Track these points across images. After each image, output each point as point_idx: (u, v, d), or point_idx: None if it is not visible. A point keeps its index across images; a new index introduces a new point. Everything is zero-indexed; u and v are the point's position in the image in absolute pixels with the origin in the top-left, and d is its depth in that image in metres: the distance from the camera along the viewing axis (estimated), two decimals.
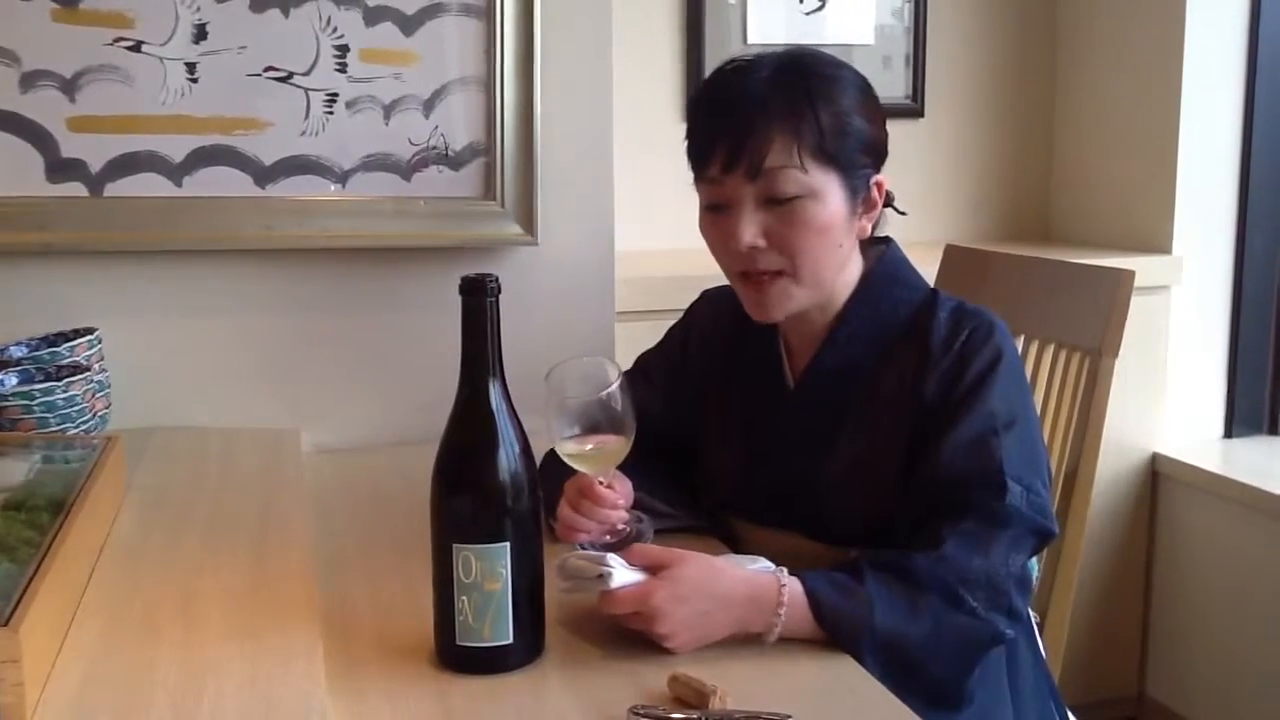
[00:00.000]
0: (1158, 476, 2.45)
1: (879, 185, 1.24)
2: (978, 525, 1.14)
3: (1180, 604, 2.44)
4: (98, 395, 1.49)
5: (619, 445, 1.18)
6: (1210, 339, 2.46)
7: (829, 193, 1.19)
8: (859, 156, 1.21)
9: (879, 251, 1.30)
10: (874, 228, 1.27)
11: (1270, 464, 2.38)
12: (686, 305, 1.47)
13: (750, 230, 1.19)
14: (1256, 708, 2.26)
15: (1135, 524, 2.46)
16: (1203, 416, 2.48)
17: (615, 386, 1.18)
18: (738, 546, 1.29)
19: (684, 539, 1.28)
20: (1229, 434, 2.49)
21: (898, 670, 1.06)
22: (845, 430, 1.25)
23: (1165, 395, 2.43)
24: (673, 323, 1.48)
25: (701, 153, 1.22)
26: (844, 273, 1.26)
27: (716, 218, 1.23)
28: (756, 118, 1.17)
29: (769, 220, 1.19)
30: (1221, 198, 2.41)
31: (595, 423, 1.17)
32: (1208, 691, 2.38)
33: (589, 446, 1.18)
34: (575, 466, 1.20)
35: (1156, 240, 2.43)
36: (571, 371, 1.18)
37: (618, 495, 1.22)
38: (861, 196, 1.23)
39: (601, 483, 1.21)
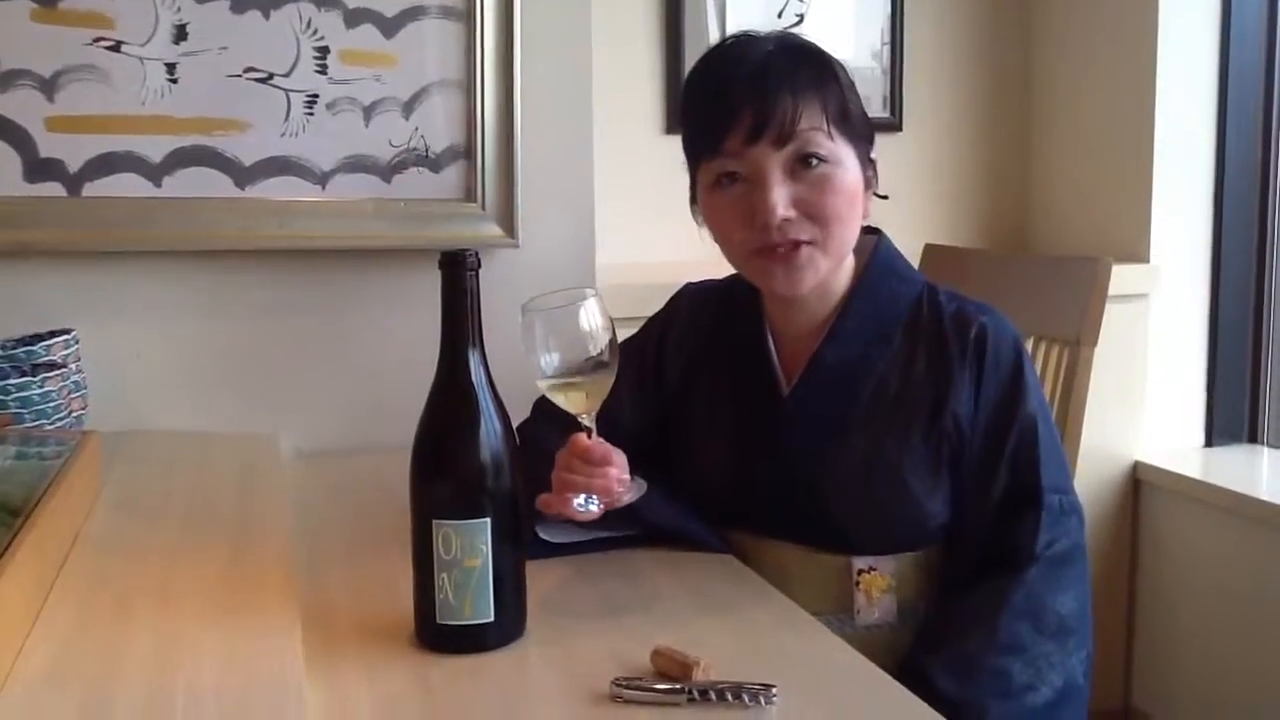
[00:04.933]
0: (1139, 484, 2.45)
1: (874, 163, 1.25)
2: (1031, 595, 1.17)
3: (1164, 612, 2.44)
4: (74, 395, 1.47)
5: (603, 375, 1.11)
6: (1189, 347, 2.47)
7: (850, 162, 1.19)
8: (865, 131, 1.22)
9: (871, 243, 1.29)
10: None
11: (1251, 471, 2.38)
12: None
13: (783, 201, 1.15)
14: (1243, 715, 2.26)
15: (1118, 532, 2.46)
16: (1183, 424, 2.49)
17: (593, 307, 1.10)
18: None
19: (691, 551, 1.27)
20: (1209, 442, 2.50)
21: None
22: (849, 430, 1.23)
23: (1145, 403, 2.44)
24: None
25: (718, 124, 1.17)
26: (846, 258, 1.26)
27: (732, 193, 1.19)
28: (784, 85, 1.15)
29: (797, 189, 1.17)
30: (1197, 206, 2.43)
31: (576, 355, 1.10)
32: (1193, 700, 2.37)
33: (574, 379, 1.11)
34: (558, 402, 1.13)
35: (1134, 249, 2.44)
36: (549, 304, 1.11)
37: (609, 450, 1.13)
38: (867, 173, 1.23)
39: (587, 428, 1.13)
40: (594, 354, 1.09)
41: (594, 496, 1.10)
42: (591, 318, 1.09)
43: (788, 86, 1.15)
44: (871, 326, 1.25)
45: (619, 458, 1.14)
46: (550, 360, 1.08)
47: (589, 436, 1.12)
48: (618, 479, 1.12)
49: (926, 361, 1.22)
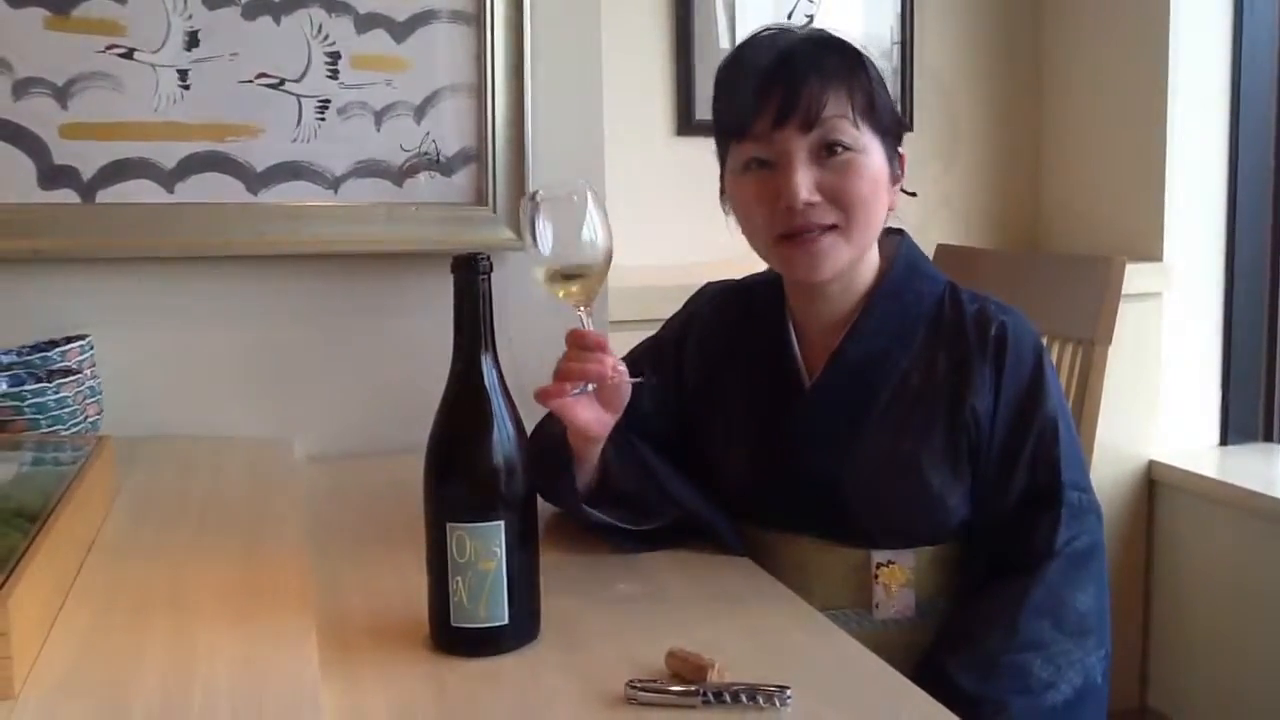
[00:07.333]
0: (1154, 484, 2.44)
1: (901, 159, 1.25)
2: (1051, 591, 1.17)
3: (1180, 612, 2.43)
4: (89, 400, 1.48)
5: (599, 266, 1.14)
6: (1203, 345, 2.46)
7: (875, 152, 1.20)
8: (893, 125, 1.23)
9: (895, 242, 1.30)
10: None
11: (1267, 470, 2.37)
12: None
13: (806, 185, 1.17)
14: (1260, 716, 2.24)
15: (1133, 532, 2.45)
16: (1198, 423, 2.48)
17: (591, 202, 1.14)
18: (749, 551, 1.26)
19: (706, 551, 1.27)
20: (1224, 441, 2.49)
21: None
22: (870, 425, 1.24)
23: (1159, 402, 2.43)
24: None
25: (747, 109, 1.19)
26: (867, 256, 1.26)
27: (759, 177, 1.20)
28: (811, 72, 1.17)
29: (822, 175, 1.18)
30: (1210, 204, 2.43)
31: (572, 246, 1.14)
32: (1209, 701, 2.36)
33: (571, 270, 1.14)
34: (555, 293, 1.15)
35: (1147, 248, 2.44)
36: (548, 194, 1.14)
37: (604, 337, 1.15)
38: (893, 166, 1.24)
39: (582, 319, 1.15)
40: (590, 244, 1.13)
41: (589, 385, 1.13)
42: (589, 210, 1.12)
43: (815, 73, 1.17)
44: (895, 323, 1.25)
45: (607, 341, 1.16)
46: (547, 248, 1.13)
47: (584, 326, 1.15)
48: (613, 365, 1.14)
49: (947, 359, 1.23)
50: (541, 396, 1.14)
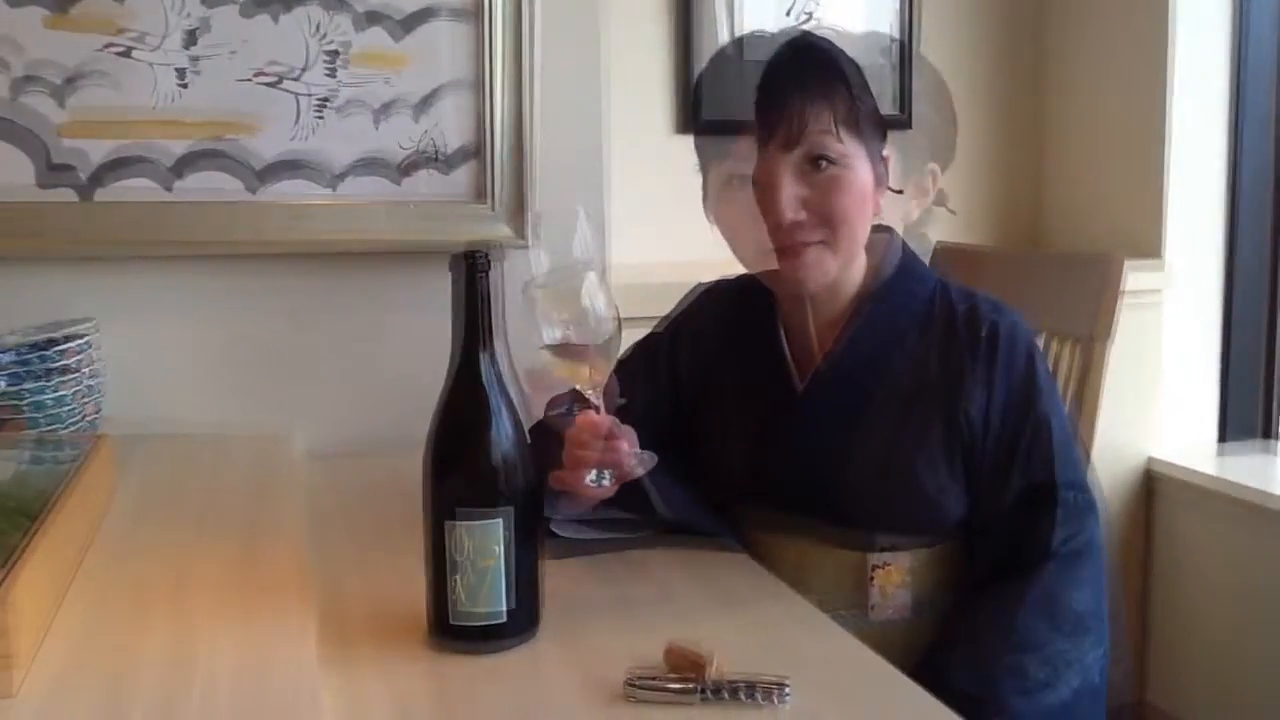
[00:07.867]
0: (1153, 482, 2.44)
1: (886, 160, 1.25)
2: (1047, 591, 1.16)
3: (1178, 609, 2.43)
4: (88, 399, 1.48)
5: (607, 349, 1.09)
6: (1203, 344, 2.46)
7: (859, 162, 1.19)
8: (875, 128, 1.22)
9: (883, 241, 1.30)
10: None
11: (1265, 467, 2.38)
12: None
13: (791, 204, 1.17)
14: (1258, 712, 2.25)
15: (1131, 530, 2.45)
16: (1197, 422, 2.48)
17: (594, 283, 1.09)
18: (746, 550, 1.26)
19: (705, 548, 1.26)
20: (1223, 439, 2.49)
21: None
22: (865, 427, 1.23)
23: (1159, 400, 2.43)
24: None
25: (726, 128, 1.20)
26: (855, 259, 1.26)
27: (741, 195, 1.20)
28: (792, 89, 1.17)
29: (807, 191, 1.18)
30: (1210, 203, 2.42)
31: (578, 329, 1.08)
32: (1208, 697, 2.36)
33: (573, 348, 1.08)
34: (562, 377, 1.11)
35: (1147, 246, 2.44)
36: (550, 279, 1.09)
37: (617, 423, 1.10)
38: (879, 170, 1.23)
39: (594, 405, 1.11)
40: (596, 328, 1.07)
41: (606, 471, 1.09)
42: (592, 292, 1.08)
43: (795, 90, 1.17)
44: (886, 324, 1.25)
45: (628, 432, 1.12)
46: (552, 335, 1.07)
47: (596, 411, 1.11)
48: (628, 452, 1.11)
49: (939, 360, 1.23)
50: (555, 481, 1.11)
